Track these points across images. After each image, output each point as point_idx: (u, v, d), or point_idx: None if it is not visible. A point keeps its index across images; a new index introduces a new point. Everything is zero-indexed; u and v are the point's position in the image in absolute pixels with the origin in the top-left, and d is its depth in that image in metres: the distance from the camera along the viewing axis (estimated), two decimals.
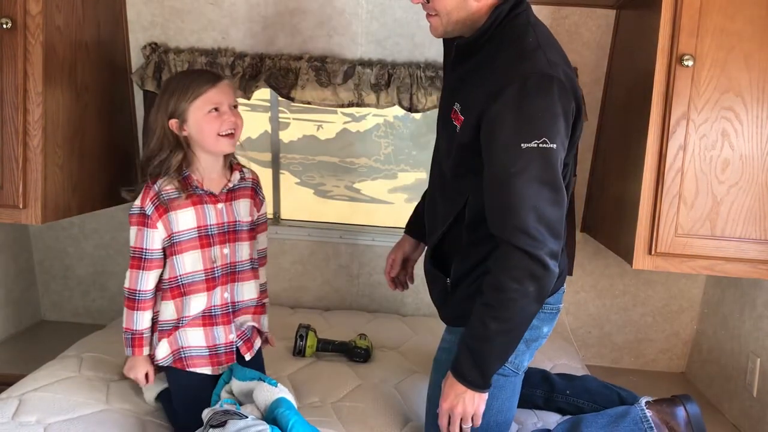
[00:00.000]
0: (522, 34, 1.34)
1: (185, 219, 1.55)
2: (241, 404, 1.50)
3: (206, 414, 1.42)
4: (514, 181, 1.27)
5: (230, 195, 1.63)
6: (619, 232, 1.85)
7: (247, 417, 1.36)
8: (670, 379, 2.35)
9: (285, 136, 2.62)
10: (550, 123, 1.26)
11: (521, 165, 1.26)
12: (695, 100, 1.63)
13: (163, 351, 1.58)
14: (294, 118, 2.64)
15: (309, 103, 2.16)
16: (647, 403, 1.53)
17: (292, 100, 2.15)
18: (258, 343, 1.74)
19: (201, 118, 1.52)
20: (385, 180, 2.73)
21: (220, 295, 1.61)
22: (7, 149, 1.73)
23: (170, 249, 1.56)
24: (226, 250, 1.62)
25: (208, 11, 2.16)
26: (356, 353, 1.99)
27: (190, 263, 1.57)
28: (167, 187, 1.54)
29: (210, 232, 1.59)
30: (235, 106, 1.58)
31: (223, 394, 1.53)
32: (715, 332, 2.22)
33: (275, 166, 2.54)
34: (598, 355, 2.46)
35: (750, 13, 1.59)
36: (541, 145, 1.25)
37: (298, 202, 2.70)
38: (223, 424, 1.32)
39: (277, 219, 2.57)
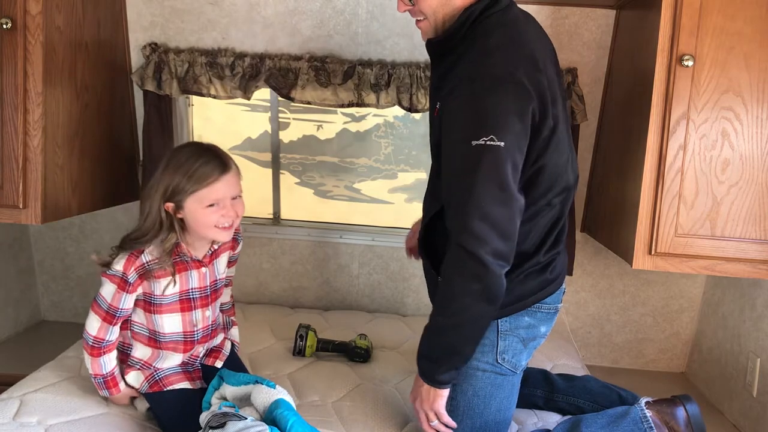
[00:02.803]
0: (488, 34, 1.34)
1: (169, 285, 1.51)
2: (238, 407, 1.50)
3: (204, 417, 1.41)
4: (461, 178, 1.28)
5: (213, 255, 1.60)
6: (619, 232, 1.85)
7: (246, 418, 1.36)
8: (670, 379, 2.35)
9: (285, 136, 2.62)
10: (500, 121, 1.25)
11: (469, 162, 1.26)
12: (695, 100, 1.63)
13: (137, 380, 1.58)
14: (294, 118, 2.64)
15: (309, 103, 2.16)
16: (647, 403, 1.53)
17: (292, 100, 2.15)
18: (228, 346, 1.73)
19: (197, 210, 1.44)
20: (385, 180, 2.73)
21: (197, 351, 1.63)
22: (7, 149, 1.73)
23: (149, 307, 1.52)
24: (207, 312, 1.60)
25: (208, 11, 2.16)
26: (356, 353, 1.99)
27: (169, 325, 1.55)
28: (151, 256, 1.48)
29: (192, 296, 1.56)
30: (238, 196, 1.50)
31: (215, 401, 1.51)
32: (715, 332, 2.22)
33: (275, 166, 2.54)
34: (598, 355, 2.46)
35: (750, 13, 1.59)
36: (488, 143, 1.24)
37: (298, 202, 2.70)
38: (222, 425, 1.32)
39: (277, 219, 2.57)
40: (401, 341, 2.17)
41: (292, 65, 2.14)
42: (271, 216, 2.58)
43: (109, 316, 1.49)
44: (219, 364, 1.67)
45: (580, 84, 2.11)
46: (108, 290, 1.49)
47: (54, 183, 1.83)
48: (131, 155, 2.33)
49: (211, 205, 1.45)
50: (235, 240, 1.68)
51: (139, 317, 1.56)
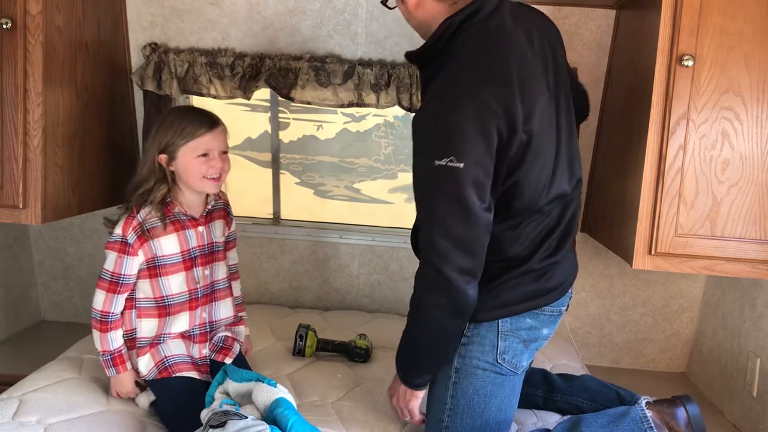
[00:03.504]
0: (464, 47, 1.35)
1: (168, 245, 1.60)
2: (239, 405, 1.50)
3: (205, 415, 1.42)
4: (426, 196, 1.33)
5: (208, 217, 1.71)
6: (619, 232, 1.85)
7: (246, 417, 1.36)
8: (670, 379, 2.35)
9: (285, 136, 2.63)
10: (460, 142, 1.27)
11: (432, 181, 1.30)
12: (695, 100, 1.63)
13: (147, 365, 1.61)
14: (294, 118, 2.64)
15: (309, 103, 2.16)
16: (647, 403, 1.53)
17: (292, 100, 2.15)
18: (237, 347, 1.78)
19: (189, 160, 1.57)
20: (385, 180, 2.73)
21: (200, 315, 1.69)
22: (7, 149, 1.73)
23: (153, 271, 1.61)
24: (206, 271, 1.70)
25: (208, 11, 2.16)
26: (356, 353, 1.99)
27: (175, 285, 1.63)
28: (149, 216, 1.58)
29: (192, 255, 1.66)
30: (225, 152, 1.63)
31: (218, 395, 1.53)
32: (715, 332, 2.22)
33: (275, 166, 2.54)
34: (598, 355, 2.46)
35: (750, 13, 1.59)
36: (449, 164, 1.27)
37: (298, 202, 2.70)
38: (222, 425, 1.32)
39: (277, 219, 2.57)
40: None
41: (292, 65, 2.13)
42: (271, 216, 2.58)
43: (113, 284, 1.56)
44: (228, 361, 1.72)
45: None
46: (110, 260, 1.57)
47: (54, 183, 1.83)
48: (131, 155, 2.33)
49: (201, 156, 1.57)
50: (227, 213, 1.78)
51: (144, 290, 1.62)
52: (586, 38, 2.11)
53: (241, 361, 1.77)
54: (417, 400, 1.53)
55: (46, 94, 1.76)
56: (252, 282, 2.51)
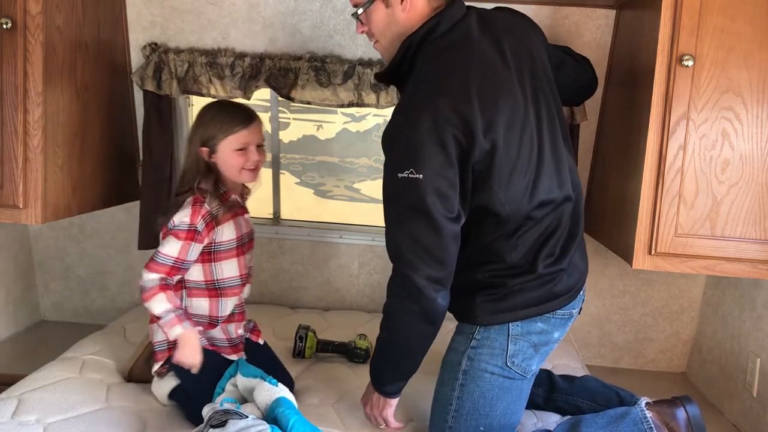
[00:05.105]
0: (425, 62, 1.38)
1: (228, 231, 1.70)
2: (242, 402, 1.50)
3: (206, 412, 1.42)
4: (390, 208, 1.36)
5: (245, 208, 1.83)
6: (619, 232, 1.85)
7: (247, 417, 1.36)
8: (670, 379, 2.35)
9: (285, 136, 2.63)
10: (419, 154, 1.30)
11: (395, 193, 1.34)
12: (695, 100, 1.63)
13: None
14: (294, 118, 2.65)
15: (309, 103, 2.16)
16: (647, 404, 1.53)
17: (292, 100, 2.15)
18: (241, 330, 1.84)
19: (228, 153, 1.66)
20: None
21: (239, 296, 1.79)
22: (7, 149, 1.74)
23: (206, 257, 1.68)
24: (248, 256, 1.81)
25: (208, 11, 2.16)
26: (356, 354, 1.99)
27: (228, 270, 1.71)
28: (212, 204, 1.66)
29: (243, 241, 1.77)
30: (261, 145, 1.72)
31: (228, 387, 1.56)
32: (715, 332, 2.22)
33: (275, 166, 2.54)
34: (598, 355, 2.46)
35: (750, 13, 1.59)
36: (410, 176, 1.30)
37: (298, 202, 2.71)
38: (223, 424, 1.32)
39: (277, 219, 2.57)
40: None
41: (292, 65, 2.13)
42: (271, 216, 2.58)
43: (174, 269, 1.61)
44: (261, 341, 1.86)
45: None
46: (173, 246, 1.60)
47: (54, 183, 1.83)
48: (131, 155, 2.33)
49: (239, 150, 1.65)
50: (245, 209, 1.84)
51: (196, 274, 1.69)
52: (586, 38, 2.11)
53: (266, 348, 1.87)
54: (391, 408, 1.55)
55: (46, 94, 1.76)
56: (252, 282, 2.50)
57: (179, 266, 1.61)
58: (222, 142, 1.65)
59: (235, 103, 1.75)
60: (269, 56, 2.14)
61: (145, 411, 1.63)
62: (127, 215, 2.45)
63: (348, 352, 2.00)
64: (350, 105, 2.17)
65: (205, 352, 1.63)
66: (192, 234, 1.61)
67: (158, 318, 1.58)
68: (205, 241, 1.65)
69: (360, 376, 1.88)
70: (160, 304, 1.57)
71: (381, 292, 2.49)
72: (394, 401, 1.54)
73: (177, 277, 1.64)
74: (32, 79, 1.73)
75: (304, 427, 1.37)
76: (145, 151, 2.22)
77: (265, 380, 1.50)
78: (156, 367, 1.69)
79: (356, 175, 2.71)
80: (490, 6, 1.59)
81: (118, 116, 2.22)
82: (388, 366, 1.50)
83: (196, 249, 1.63)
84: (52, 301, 2.62)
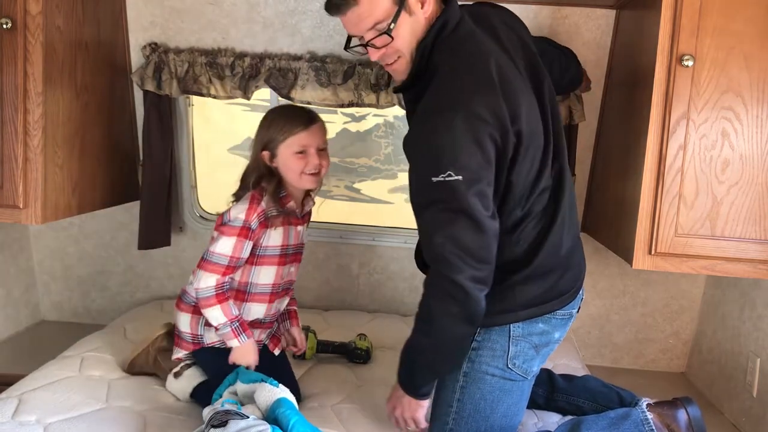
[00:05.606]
0: (444, 62, 1.36)
1: (275, 237, 1.67)
2: (242, 405, 1.50)
3: (207, 413, 1.42)
4: (428, 212, 1.33)
5: (305, 218, 1.78)
6: (619, 232, 1.85)
7: (248, 417, 1.36)
8: (671, 379, 2.35)
9: None
10: (456, 155, 1.28)
11: (433, 197, 1.31)
12: (695, 100, 1.63)
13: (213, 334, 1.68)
14: None
15: (309, 103, 2.16)
16: (648, 405, 1.53)
17: (292, 100, 2.15)
18: (283, 341, 1.84)
19: (288, 156, 1.63)
20: (385, 180, 2.73)
21: (275, 306, 1.76)
22: (7, 149, 1.73)
23: (250, 259, 1.66)
24: (292, 269, 1.77)
25: (208, 11, 2.16)
26: (356, 354, 1.99)
27: (264, 276, 1.69)
28: (269, 205, 1.64)
29: (288, 252, 1.72)
30: (324, 149, 1.69)
31: (226, 395, 1.54)
32: (715, 332, 2.22)
33: None
34: (598, 355, 2.46)
35: (750, 13, 1.59)
36: (447, 179, 1.28)
37: None
38: (224, 424, 1.32)
39: None
40: (401, 341, 2.13)
41: (292, 65, 2.13)
42: None
43: (229, 268, 1.60)
44: (277, 351, 1.80)
45: None
46: (227, 244, 1.59)
47: (54, 183, 1.83)
48: (131, 155, 2.33)
49: (299, 152, 1.62)
50: (309, 216, 1.82)
51: (236, 275, 1.66)
52: (586, 38, 2.10)
53: (282, 357, 1.82)
54: (423, 409, 1.52)
55: (46, 94, 1.76)
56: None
57: (234, 264, 1.60)
58: (281, 145, 1.63)
59: (297, 106, 1.73)
60: (269, 56, 2.14)
61: (145, 410, 1.63)
62: (127, 215, 2.45)
63: (348, 352, 2.00)
64: (350, 105, 2.16)
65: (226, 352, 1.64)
66: (246, 231, 1.60)
67: (216, 328, 1.62)
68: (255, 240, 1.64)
69: (360, 376, 1.88)
70: (217, 317, 1.60)
71: (381, 292, 2.49)
72: (426, 402, 1.52)
73: (232, 281, 1.63)
74: (32, 79, 1.73)
75: (305, 427, 1.37)
76: (145, 151, 2.22)
77: (266, 382, 1.50)
78: (177, 354, 1.69)
79: (356, 175, 2.71)
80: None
81: (118, 116, 2.22)
82: (426, 369, 1.48)
83: (248, 247, 1.61)
84: (52, 301, 2.62)
